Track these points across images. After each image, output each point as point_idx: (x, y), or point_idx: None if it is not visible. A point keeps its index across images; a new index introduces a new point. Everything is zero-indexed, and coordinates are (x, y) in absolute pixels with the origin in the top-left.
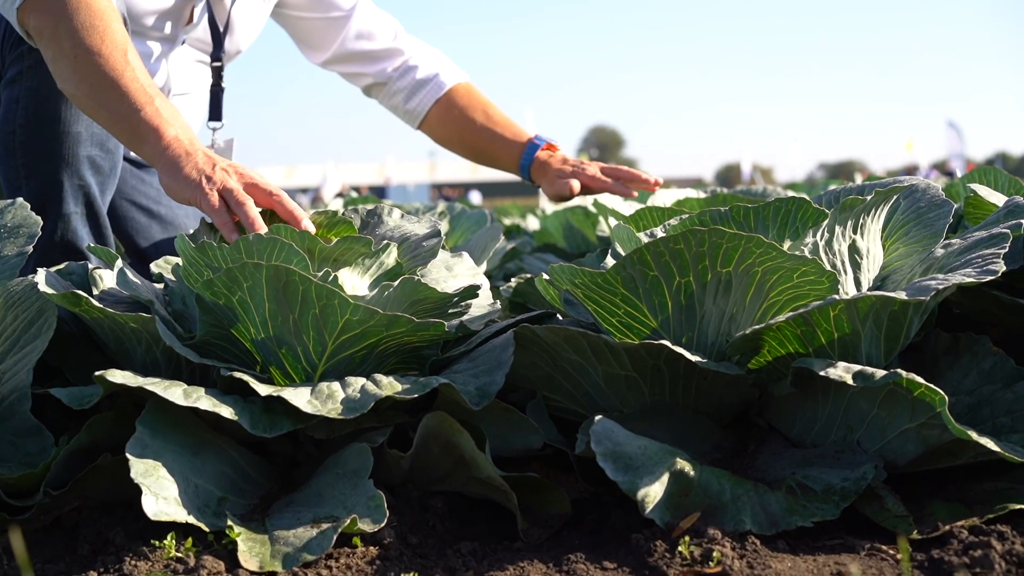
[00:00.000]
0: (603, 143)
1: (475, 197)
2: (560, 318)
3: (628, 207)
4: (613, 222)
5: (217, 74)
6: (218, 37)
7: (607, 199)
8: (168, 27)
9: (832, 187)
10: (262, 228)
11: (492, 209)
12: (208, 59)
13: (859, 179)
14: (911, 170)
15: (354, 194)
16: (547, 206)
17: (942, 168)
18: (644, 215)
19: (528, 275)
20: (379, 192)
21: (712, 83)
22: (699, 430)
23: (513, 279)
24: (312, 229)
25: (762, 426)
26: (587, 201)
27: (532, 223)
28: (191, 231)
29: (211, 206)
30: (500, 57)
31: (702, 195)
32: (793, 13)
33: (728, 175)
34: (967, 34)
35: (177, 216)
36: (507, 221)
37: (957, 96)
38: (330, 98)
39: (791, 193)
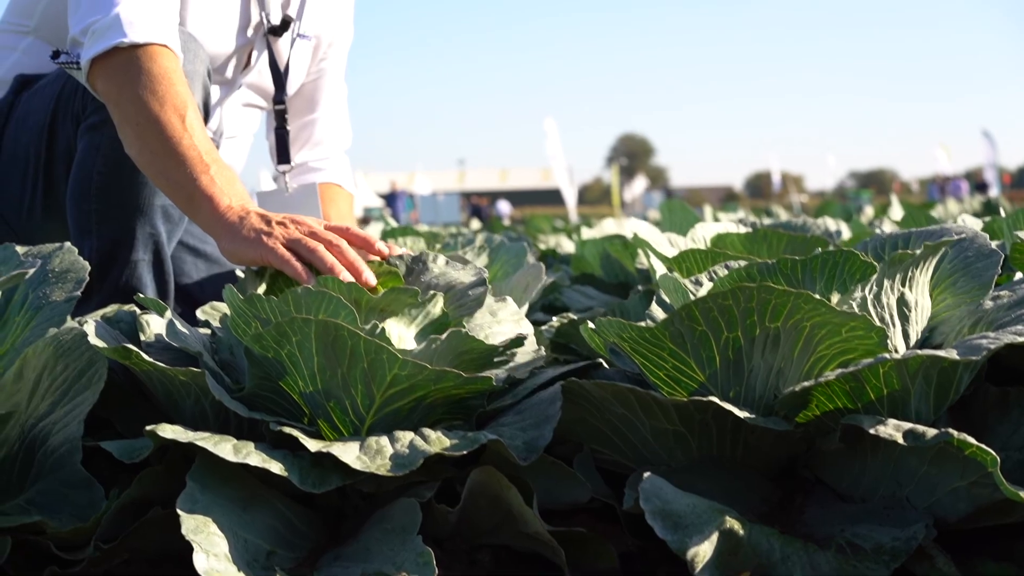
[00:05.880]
0: (632, 151)
1: (503, 206)
2: (606, 366)
3: (664, 240)
4: (656, 263)
5: (281, 117)
6: (280, 80)
7: (644, 232)
8: (228, 71)
9: (875, 225)
10: (340, 272)
11: (522, 219)
12: (257, 102)
13: (894, 198)
14: (942, 180)
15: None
16: (579, 223)
17: (974, 178)
18: (687, 258)
19: (570, 315)
20: (388, 200)
21: (742, 90)
22: (746, 483)
23: (555, 318)
24: (386, 251)
25: (809, 478)
26: (626, 230)
27: (567, 245)
28: (236, 269)
29: (280, 259)
30: (529, 66)
31: (742, 229)
32: (824, 21)
33: (758, 183)
34: (997, 42)
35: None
36: (540, 245)
37: (988, 104)
38: (356, 109)
39: (829, 221)
